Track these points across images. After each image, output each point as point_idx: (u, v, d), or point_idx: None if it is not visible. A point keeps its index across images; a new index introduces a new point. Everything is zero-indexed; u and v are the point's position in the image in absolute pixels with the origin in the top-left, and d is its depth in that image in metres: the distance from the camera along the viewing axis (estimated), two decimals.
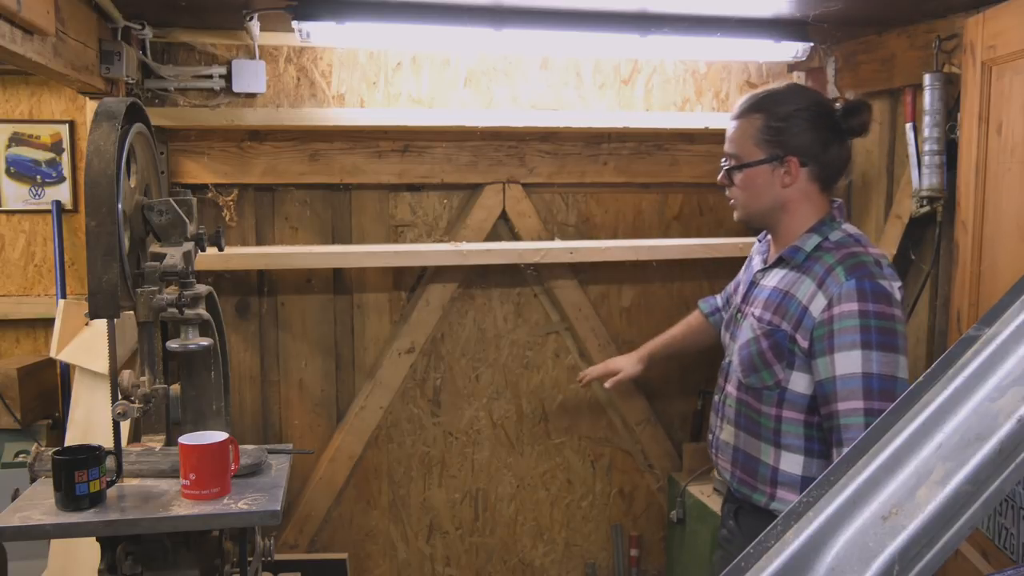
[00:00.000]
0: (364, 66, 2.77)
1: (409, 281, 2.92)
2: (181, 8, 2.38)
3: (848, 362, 1.57)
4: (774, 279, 1.76)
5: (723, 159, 1.80)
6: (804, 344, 1.63)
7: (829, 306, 1.60)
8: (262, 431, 2.86)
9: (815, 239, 1.71)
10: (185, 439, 1.75)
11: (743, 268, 2.06)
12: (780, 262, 1.77)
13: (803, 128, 1.69)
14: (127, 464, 1.79)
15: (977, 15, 2.23)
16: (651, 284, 3.10)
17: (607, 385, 2.44)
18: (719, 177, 1.81)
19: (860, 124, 1.73)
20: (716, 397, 1.91)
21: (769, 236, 1.87)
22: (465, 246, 2.76)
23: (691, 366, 3.16)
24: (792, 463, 1.69)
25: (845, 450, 1.54)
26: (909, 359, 1.62)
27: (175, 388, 1.97)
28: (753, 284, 1.86)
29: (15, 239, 3.05)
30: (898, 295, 1.62)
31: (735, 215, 1.84)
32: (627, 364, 2.45)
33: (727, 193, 1.82)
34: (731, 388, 1.81)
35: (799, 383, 1.66)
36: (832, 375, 1.59)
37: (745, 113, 1.74)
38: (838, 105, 1.73)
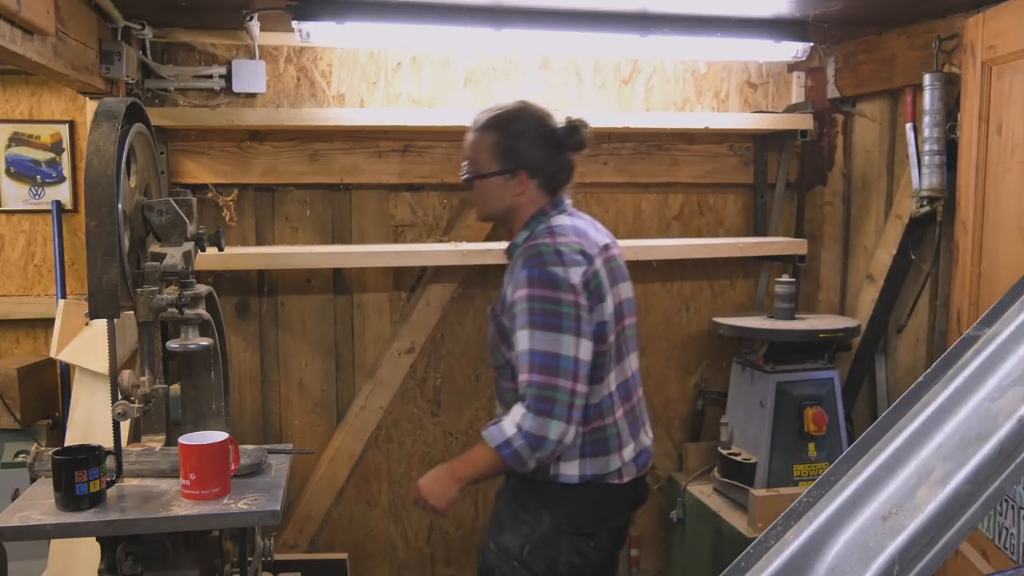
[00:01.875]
0: (364, 66, 2.77)
1: (409, 281, 2.92)
2: (181, 8, 2.38)
3: (521, 340, 1.83)
4: (506, 272, 2.01)
5: (464, 162, 2.03)
6: (509, 326, 1.90)
7: (513, 292, 1.88)
8: (262, 431, 2.86)
9: (524, 234, 1.97)
10: (185, 439, 1.75)
11: None
12: (507, 255, 2.03)
13: (531, 146, 1.95)
14: (127, 464, 1.79)
15: (977, 15, 2.23)
16: (651, 284, 3.10)
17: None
18: (461, 179, 2.04)
19: (578, 142, 1.99)
20: None
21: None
22: (465, 246, 2.76)
23: (691, 366, 3.17)
24: None
25: (530, 414, 1.79)
26: (600, 336, 1.86)
27: (175, 388, 1.97)
28: None
29: (15, 239, 3.05)
30: (573, 278, 1.83)
31: (476, 213, 2.17)
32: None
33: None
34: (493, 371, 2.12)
35: None
36: (515, 351, 1.86)
37: (482, 129, 1.98)
38: (560, 124, 1.97)
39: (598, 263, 1.90)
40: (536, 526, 1.93)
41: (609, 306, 1.90)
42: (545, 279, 1.83)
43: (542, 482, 1.93)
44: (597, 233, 2.00)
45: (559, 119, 1.99)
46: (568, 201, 2.03)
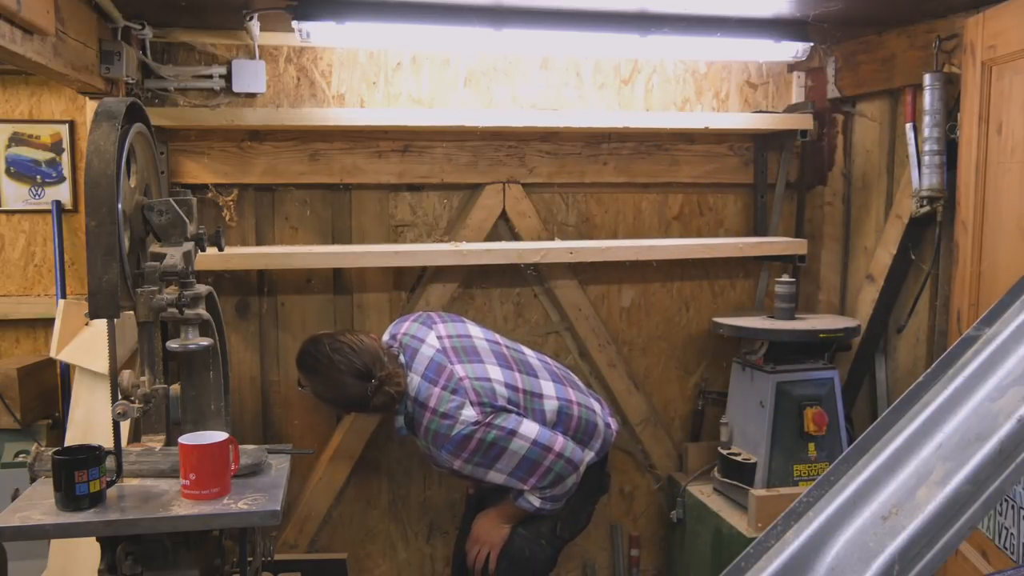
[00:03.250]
0: (364, 66, 2.77)
1: (409, 281, 2.91)
2: (181, 8, 2.38)
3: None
4: None
5: None
6: None
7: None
8: (262, 431, 2.86)
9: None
10: (185, 439, 1.75)
11: None
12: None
13: None
14: (127, 464, 1.79)
15: (977, 15, 2.23)
16: (651, 284, 3.10)
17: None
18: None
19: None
20: None
21: None
22: (465, 246, 2.76)
23: (691, 366, 3.17)
24: None
25: None
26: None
27: (175, 388, 1.97)
28: None
29: (15, 239, 3.05)
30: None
31: None
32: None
33: None
34: None
35: None
36: None
37: None
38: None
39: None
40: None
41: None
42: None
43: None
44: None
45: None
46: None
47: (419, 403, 2.21)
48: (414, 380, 2.23)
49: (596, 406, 2.40)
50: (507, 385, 2.25)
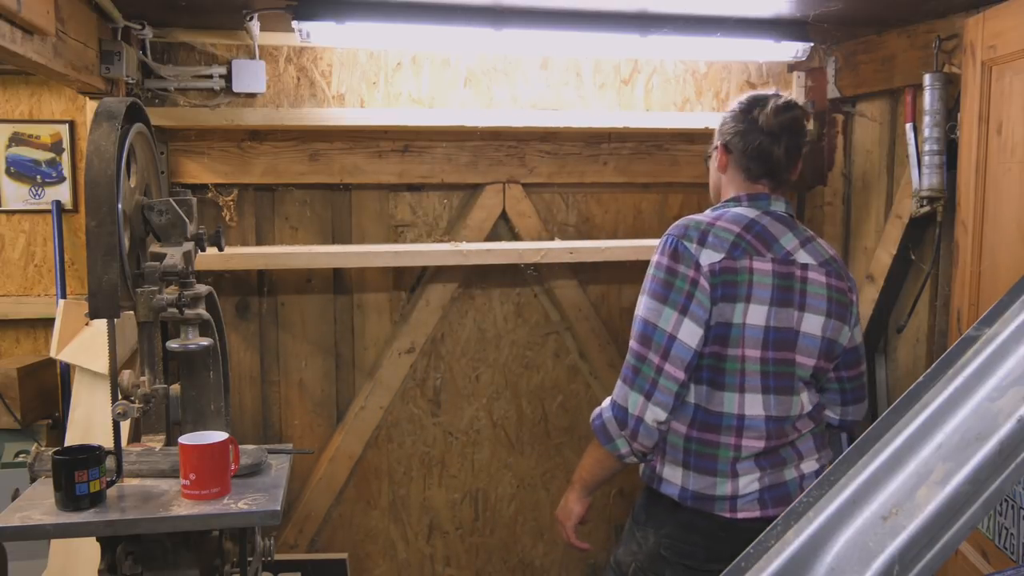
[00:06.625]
0: (364, 66, 2.77)
1: (409, 281, 2.92)
2: (181, 8, 2.38)
3: (638, 304, 1.80)
4: None
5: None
6: None
7: None
8: (262, 431, 2.86)
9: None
10: (185, 439, 1.75)
11: None
12: None
13: (731, 121, 1.86)
14: (127, 464, 1.79)
15: (977, 15, 2.23)
16: None
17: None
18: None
19: (779, 123, 1.82)
20: None
21: None
22: (465, 246, 2.76)
23: None
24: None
25: (619, 382, 1.75)
26: (708, 317, 1.71)
27: (175, 388, 1.97)
28: None
29: (15, 239, 3.05)
30: (701, 259, 1.71)
31: None
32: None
33: None
34: None
35: None
36: None
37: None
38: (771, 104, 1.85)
39: (757, 264, 1.72)
40: (643, 543, 1.81)
41: (751, 316, 1.71)
42: (673, 249, 1.75)
43: (655, 497, 1.81)
44: (793, 244, 1.79)
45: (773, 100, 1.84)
46: (781, 204, 1.85)
47: (720, 213, 1.83)
48: (747, 211, 1.82)
49: (756, 472, 1.75)
50: (733, 324, 1.72)
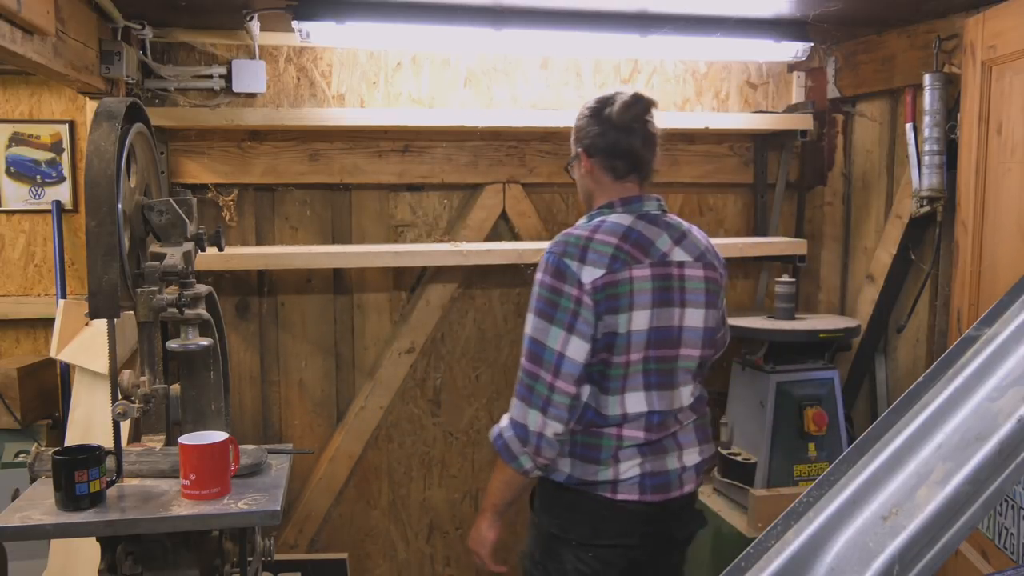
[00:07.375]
0: (364, 66, 2.77)
1: (409, 281, 2.92)
2: (181, 8, 2.38)
3: (526, 323, 1.79)
4: None
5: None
6: None
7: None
8: (262, 431, 2.86)
9: (580, 221, 1.89)
10: (185, 439, 1.75)
11: None
12: None
13: (586, 124, 1.86)
14: (127, 464, 1.79)
15: (977, 15, 2.23)
16: None
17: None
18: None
19: (631, 117, 1.82)
20: None
21: None
22: (465, 246, 2.76)
23: None
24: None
25: (515, 400, 1.76)
26: (602, 334, 1.73)
27: (175, 388, 1.97)
28: None
29: (15, 239, 3.05)
30: (583, 276, 1.73)
31: None
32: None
33: None
34: None
35: None
36: None
37: None
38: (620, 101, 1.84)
39: (636, 273, 1.75)
40: (541, 529, 1.88)
41: (635, 323, 1.75)
42: (555, 268, 1.76)
43: (545, 484, 1.88)
44: (668, 245, 1.82)
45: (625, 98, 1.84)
46: (653, 204, 1.86)
47: (597, 224, 1.82)
48: (622, 217, 1.83)
49: (637, 458, 1.81)
50: (619, 333, 1.76)
